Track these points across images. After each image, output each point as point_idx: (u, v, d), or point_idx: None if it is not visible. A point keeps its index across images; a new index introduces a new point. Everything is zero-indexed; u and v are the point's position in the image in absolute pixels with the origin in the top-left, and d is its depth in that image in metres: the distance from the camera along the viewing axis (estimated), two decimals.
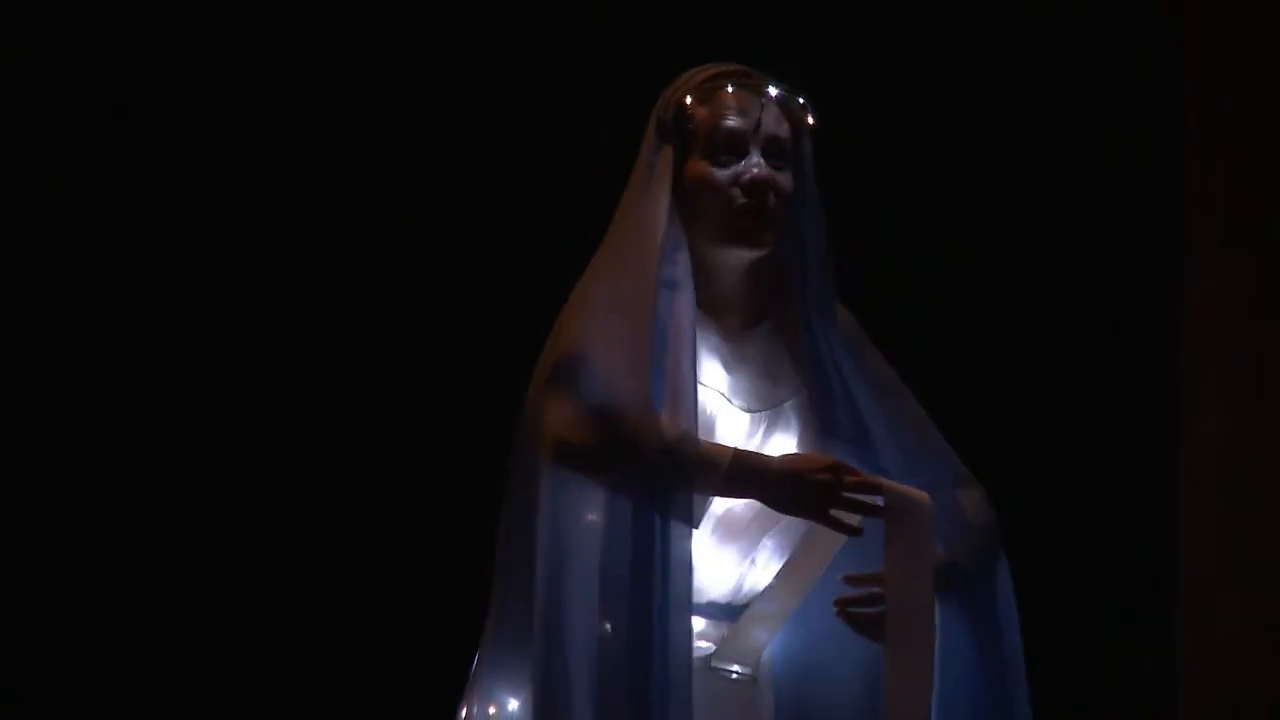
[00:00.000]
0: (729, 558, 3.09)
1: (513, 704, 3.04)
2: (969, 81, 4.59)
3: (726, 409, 3.13)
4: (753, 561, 3.11)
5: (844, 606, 3.05)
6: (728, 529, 3.08)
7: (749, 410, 3.14)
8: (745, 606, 3.10)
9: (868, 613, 3.04)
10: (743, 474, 3.00)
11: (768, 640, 3.09)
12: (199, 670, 4.57)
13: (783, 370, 3.16)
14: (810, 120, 3.17)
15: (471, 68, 4.62)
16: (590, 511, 3.00)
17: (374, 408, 4.59)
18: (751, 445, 3.09)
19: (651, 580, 2.96)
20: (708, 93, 3.14)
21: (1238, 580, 4.50)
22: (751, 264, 3.14)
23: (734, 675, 3.09)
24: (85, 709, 4.53)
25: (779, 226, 3.13)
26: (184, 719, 4.56)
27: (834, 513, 3.00)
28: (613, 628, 2.96)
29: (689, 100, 3.14)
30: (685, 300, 3.09)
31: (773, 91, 3.14)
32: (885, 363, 3.21)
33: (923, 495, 3.03)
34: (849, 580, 3.06)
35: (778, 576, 3.07)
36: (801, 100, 3.16)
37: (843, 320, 3.20)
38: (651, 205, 3.11)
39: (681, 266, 3.10)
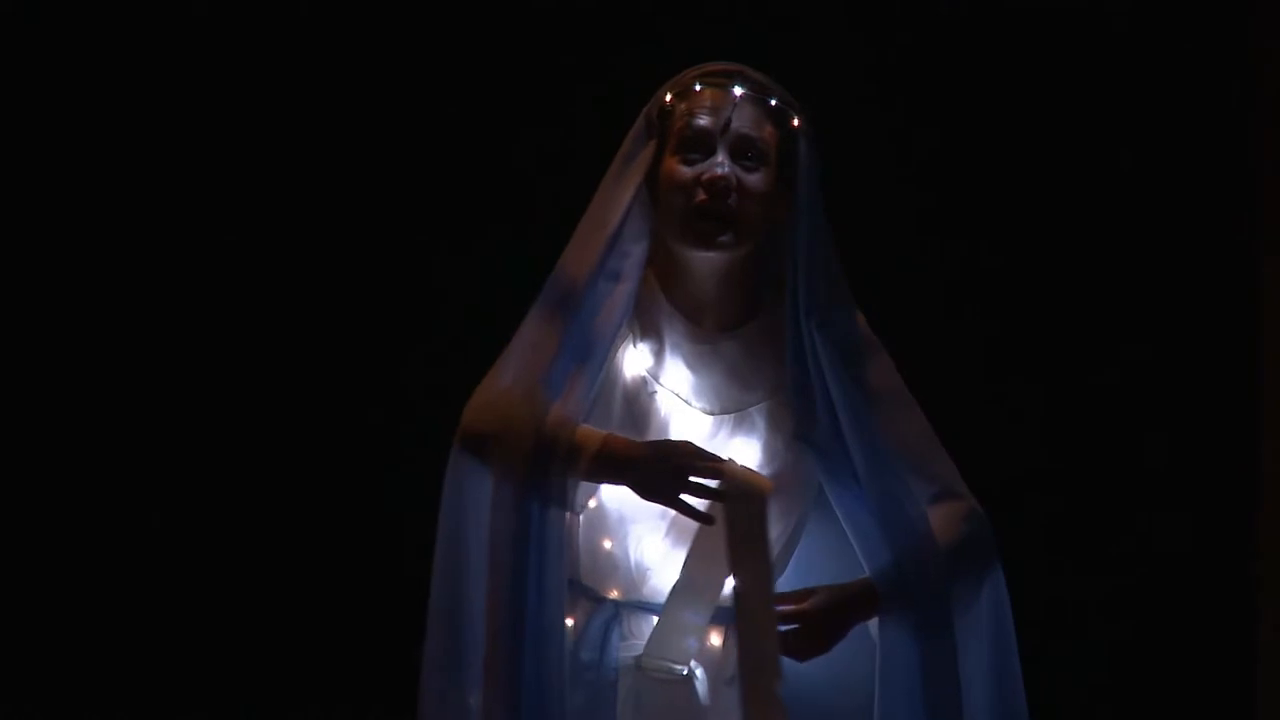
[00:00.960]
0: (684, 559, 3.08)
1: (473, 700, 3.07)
2: (1000, 75, 4.58)
3: (684, 410, 3.12)
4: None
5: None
6: (681, 531, 3.08)
7: (711, 413, 3.13)
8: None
9: (781, 630, 3.03)
10: (611, 460, 3.01)
11: (699, 640, 3.07)
12: (189, 668, 4.58)
13: (757, 374, 3.14)
14: (795, 122, 3.14)
15: (471, 69, 4.62)
16: (481, 496, 3.03)
17: (367, 406, 4.60)
18: (712, 447, 3.08)
19: (527, 568, 2.99)
20: (687, 90, 3.13)
21: None
22: (725, 265, 3.12)
23: (666, 674, 3.08)
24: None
25: (744, 228, 3.09)
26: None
27: (687, 499, 3.00)
28: (495, 614, 2.98)
29: (669, 97, 3.14)
30: (624, 292, 3.09)
31: (738, 91, 3.11)
32: (892, 371, 3.17)
33: (763, 482, 3.01)
34: None
35: (683, 576, 3.05)
36: (774, 101, 3.13)
37: (850, 324, 3.16)
38: (617, 196, 3.12)
39: (633, 259, 3.10)
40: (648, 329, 3.15)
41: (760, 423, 3.12)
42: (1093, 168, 4.57)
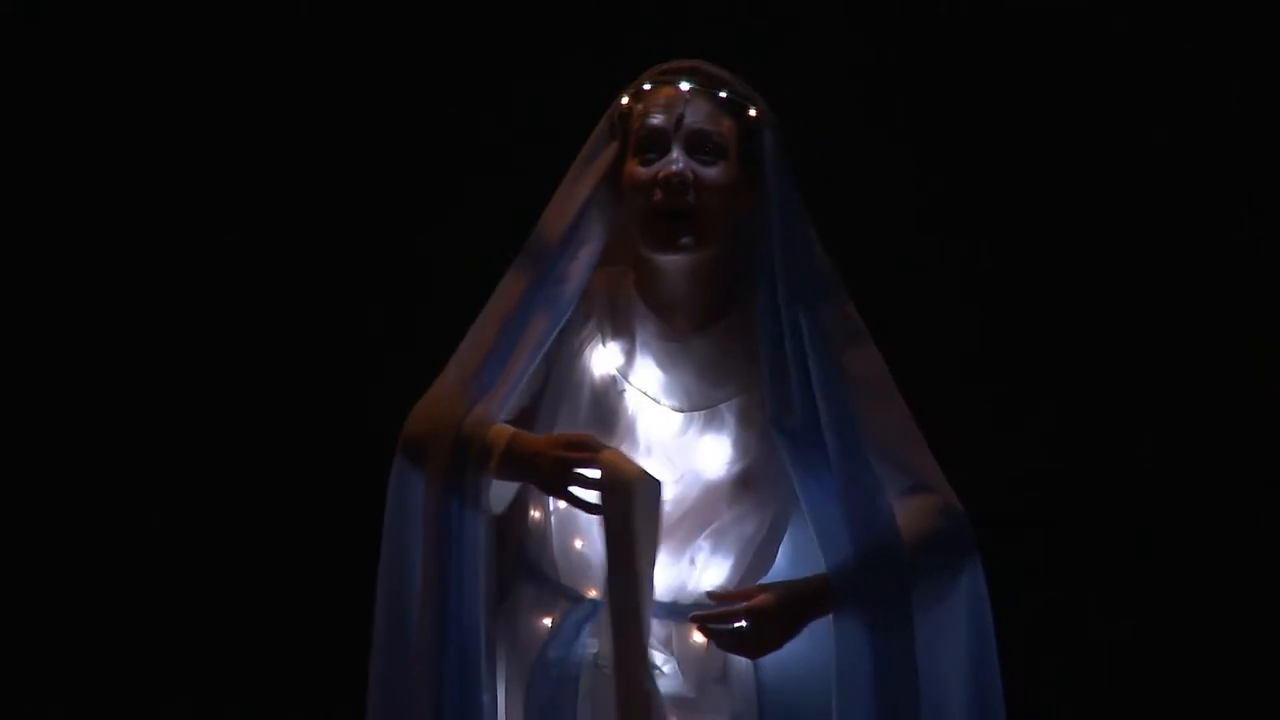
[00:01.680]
0: (663, 559, 3.07)
1: None
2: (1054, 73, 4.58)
3: (653, 409, 3.12)
4: (692, 561, 3.10)
5: (703, 622, 3.04)
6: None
7: (680, 410, 3.13)
8: (692, 606, 3.09)
9: (723, 629, 3.02)
10: (515, 457, 3.03)
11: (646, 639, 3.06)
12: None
13: (729, 370, 3.13)
14: (752, 112, 3.12)
15: (469, 72, 4.62)
16: (418, 499, 3.07)
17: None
18: (681, 445, 3.09)
19: (449, 568, 3.03)
20: (641, 90, 3.13)
21: None
22: (693, 265, 3.11)
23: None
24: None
25: (705, 225, 3.07)
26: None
27: (576, 491, 3.01)
28: (422, 616, 3.03)
29: (626, 100, 3.14)
30: (565, 292, 3.10)
31: (685, 86, 3.10)
32: (877, 362, 3.14)
33: (631, 471, 2.98)
34: (713, 596, 3.06)
35: (605, 573, 3.04)
36: (724, 94, 3.10)
37: (835, 312, 3.12)
38: (573, 197, 3.13)
39: (581, 261, 3.11)
40: (620, 328, 3.15)
41: (731, 419, 3.11)
42: (1094, 167, 4.57)
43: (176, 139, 4.62)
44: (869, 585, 3.02)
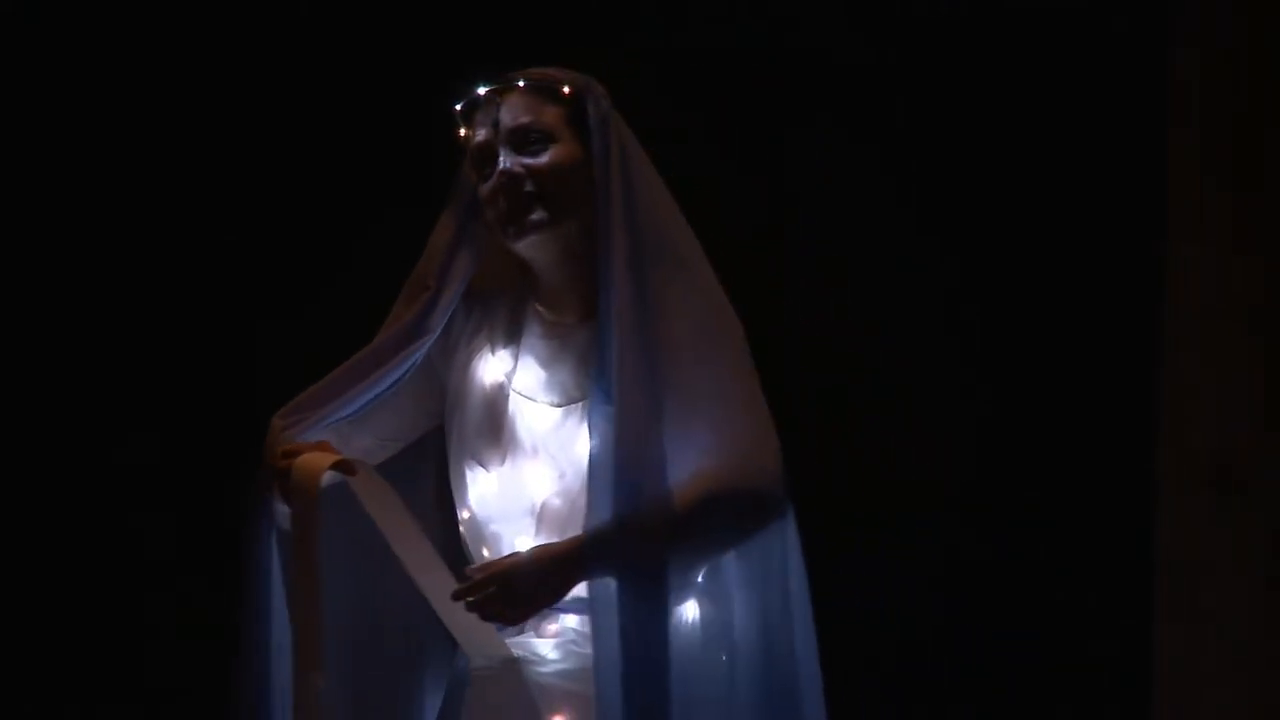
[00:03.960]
0: None
1: None
2: (951, 80, 4.58)
3: (532, 407, 3.13)
4: None
5: (462, 598, 3.00)
6: (550, 527, 3.07)
7: (558, 405, 3.13)
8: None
9: (476, 600, 2.99)
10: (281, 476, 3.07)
11: (490, 629, 3.05)
12: None
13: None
14: (566, 90, 3.12)
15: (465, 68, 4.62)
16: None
17: None
18: (559, 439, 3.09)
19: (257, 586, 3.09)
20: (465, 118, 3.16)
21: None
22: (559, 246, 3.11)
23: (488, 670, 3.09)
24: None
25: (553, 202, 3.09)
26: None
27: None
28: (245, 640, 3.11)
29: (461, 132, 3.18)
30: (431, 317, 3.13)
31: (483, 90, 3.13)
32: (705, 323, 3.06)
33: (310, 472, 2.98)
34: (466, 571, 3.04)
35: (418, 582, 3.05)
36: (523, 83, 3.12)
37: (667, 274, 3.06)
38: (442, 230, 3.17)
39: (449, 294, 3.14)
40: (512, 335, 3.18)
41: None
42: (1094, 167, 4.57)
43: (173, 138, 4.63)
44: (621, 546, 2.93)
